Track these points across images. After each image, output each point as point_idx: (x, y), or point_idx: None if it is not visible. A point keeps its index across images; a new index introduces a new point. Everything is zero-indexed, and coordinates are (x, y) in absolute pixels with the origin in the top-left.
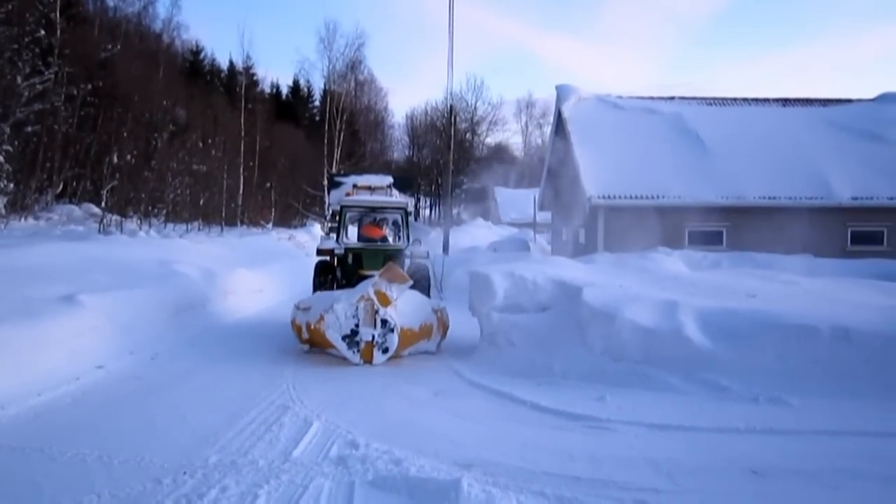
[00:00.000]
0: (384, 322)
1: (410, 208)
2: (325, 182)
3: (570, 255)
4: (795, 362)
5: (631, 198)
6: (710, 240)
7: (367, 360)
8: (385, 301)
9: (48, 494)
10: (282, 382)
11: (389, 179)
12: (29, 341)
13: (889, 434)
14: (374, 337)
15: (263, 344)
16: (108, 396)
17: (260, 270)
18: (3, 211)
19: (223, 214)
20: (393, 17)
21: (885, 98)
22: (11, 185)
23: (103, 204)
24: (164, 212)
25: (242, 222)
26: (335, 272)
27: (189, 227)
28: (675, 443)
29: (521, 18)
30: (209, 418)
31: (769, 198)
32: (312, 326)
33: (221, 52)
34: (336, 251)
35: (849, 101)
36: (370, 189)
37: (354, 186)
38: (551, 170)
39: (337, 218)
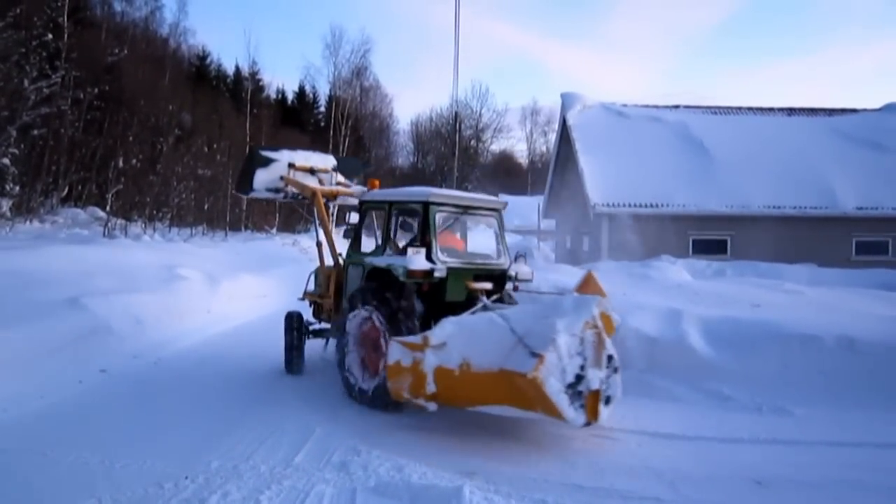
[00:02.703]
0: (609, 359)
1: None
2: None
3: (573, 263)
4: (799, 372)
5: (635, 206)
6: (714, 248)
7: (594, 418)
8: (610, 328)
9: (49, 498)
10: (284, 387)
11: (332, 161)
12: (32, 344)
13: (892, 445)
14: (600, 382)
15: (267, 349)
16: (110, 400)
17: (264, 275)
18: (9, 214)
19: (227, 219)
20: (398, 24)
21: (890, 108)
22: (17, 188)
23: (108, 208)
24: (169, 216)
25: (247, 227)
26: (412, 307)
27: (193, 231)
28: (678, 452)
29: (526, 26)
30: (211, 423)
31: (774, 207)
32: (458, 373)
33: (227, 57)
34: (437, 273)
35: (854, 110)
36: (311, 171)
37: (291, 167)
38: (556, 177)
39: (396, 220)
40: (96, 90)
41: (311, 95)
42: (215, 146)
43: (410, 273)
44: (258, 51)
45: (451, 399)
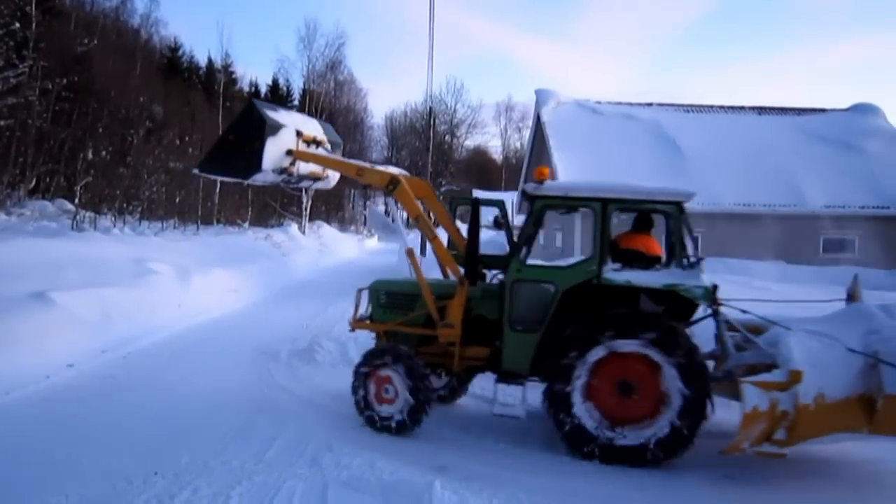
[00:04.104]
0: None
1: None
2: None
3: (546, 259)
4: None
5: None
6: None
7: None
8: None
9: (16, 494)
10: (257, 383)
11: (320, 129)
12: None
13: (864, 438)
14: None
15: (237, 345)
16: (78, 395)
17: (236, 270)
18: None
19: (199, 213)
20: (374, 18)
21: (858, 108)
22: None
23: (77, 200)
24: (139, 209)
25: (219, 221)
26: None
27: (164, 225)
28: None
29: (501, 22)
30: (181, 418)
31: (744, 204)
32: (813, 407)
33: (200, 49)
34: None
35: (823, 110)
36: (315, 143)
37: (300, 136)
38: (530, 173)
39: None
40: (65, 80)
41: (284, 89)
42: (187, 139)
43: (723, 298)
44: (231, 43)
45: (795, 437)
